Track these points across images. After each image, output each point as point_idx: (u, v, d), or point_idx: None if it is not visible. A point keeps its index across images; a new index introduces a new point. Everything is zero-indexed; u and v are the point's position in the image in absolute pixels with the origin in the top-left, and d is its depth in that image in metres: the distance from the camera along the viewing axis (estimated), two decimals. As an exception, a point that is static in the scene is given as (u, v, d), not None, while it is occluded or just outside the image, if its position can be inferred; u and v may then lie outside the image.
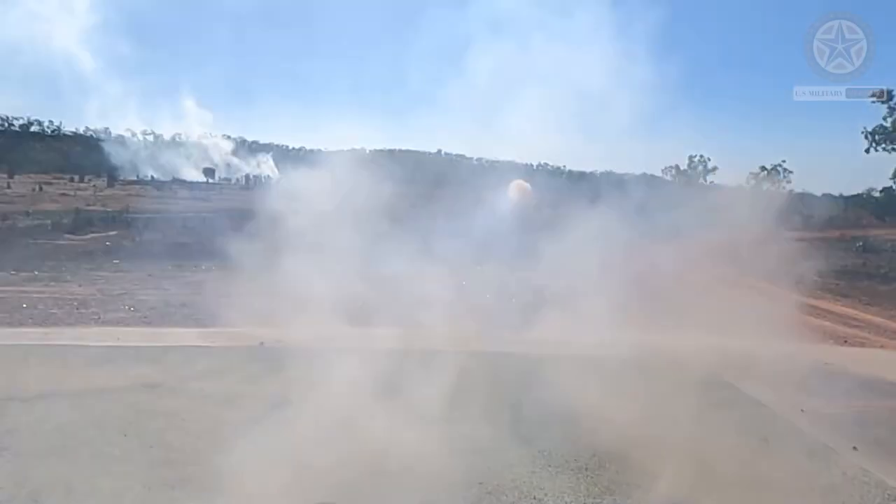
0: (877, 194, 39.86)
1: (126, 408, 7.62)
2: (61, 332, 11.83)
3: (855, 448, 5.67)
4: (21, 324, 12.45)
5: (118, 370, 9.10)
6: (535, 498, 5.84)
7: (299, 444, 5.91)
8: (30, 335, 11.40)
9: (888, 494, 4.99)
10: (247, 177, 45.60)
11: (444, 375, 7.15)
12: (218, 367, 9.26)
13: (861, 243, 31.67)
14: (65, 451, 6.50)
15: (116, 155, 39.76)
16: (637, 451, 6.18)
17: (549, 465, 6.43)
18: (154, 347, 10.61)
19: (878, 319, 16.59)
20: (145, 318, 13.16)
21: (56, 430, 6.97)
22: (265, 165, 51.88)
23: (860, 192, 48.85)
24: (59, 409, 7.49)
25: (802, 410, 6.88)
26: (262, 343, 10.22)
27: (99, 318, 13.17)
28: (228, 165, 49.10)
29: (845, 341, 13.59)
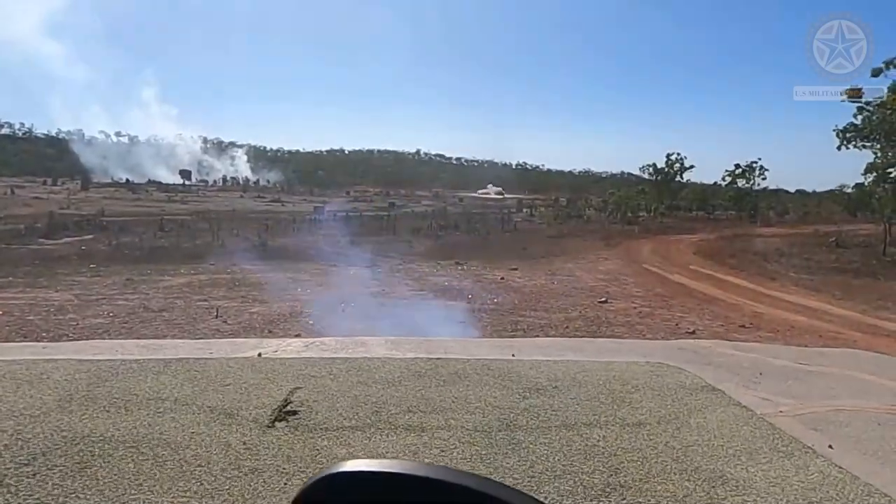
0: (849, 190, 40.89)
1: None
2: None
3: (831, 447, 5.82)
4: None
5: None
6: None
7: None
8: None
9: (861, 491, 5.14)
10: (224, 178, 45.01)
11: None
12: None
13: (834, 239, 32.40)
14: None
15: (89, 157, 38.99)
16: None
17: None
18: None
19: (851, 314, 16.91)
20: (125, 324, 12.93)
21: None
22: (239, 161, 51.36)
23: (833, 188, 49.89)
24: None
25: (781, 411, 7.04)
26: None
27: (77, 324, 12.91)
28: (201, 164, 48.49)
29: (820, 336, 13.82)
